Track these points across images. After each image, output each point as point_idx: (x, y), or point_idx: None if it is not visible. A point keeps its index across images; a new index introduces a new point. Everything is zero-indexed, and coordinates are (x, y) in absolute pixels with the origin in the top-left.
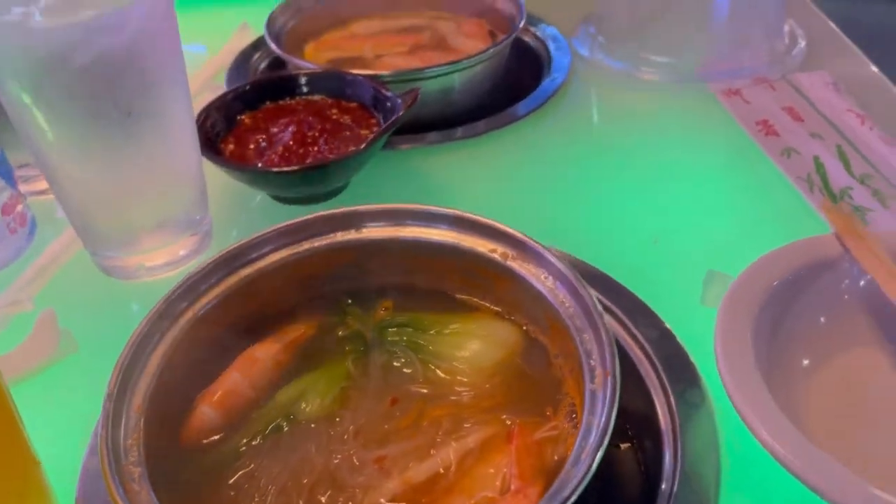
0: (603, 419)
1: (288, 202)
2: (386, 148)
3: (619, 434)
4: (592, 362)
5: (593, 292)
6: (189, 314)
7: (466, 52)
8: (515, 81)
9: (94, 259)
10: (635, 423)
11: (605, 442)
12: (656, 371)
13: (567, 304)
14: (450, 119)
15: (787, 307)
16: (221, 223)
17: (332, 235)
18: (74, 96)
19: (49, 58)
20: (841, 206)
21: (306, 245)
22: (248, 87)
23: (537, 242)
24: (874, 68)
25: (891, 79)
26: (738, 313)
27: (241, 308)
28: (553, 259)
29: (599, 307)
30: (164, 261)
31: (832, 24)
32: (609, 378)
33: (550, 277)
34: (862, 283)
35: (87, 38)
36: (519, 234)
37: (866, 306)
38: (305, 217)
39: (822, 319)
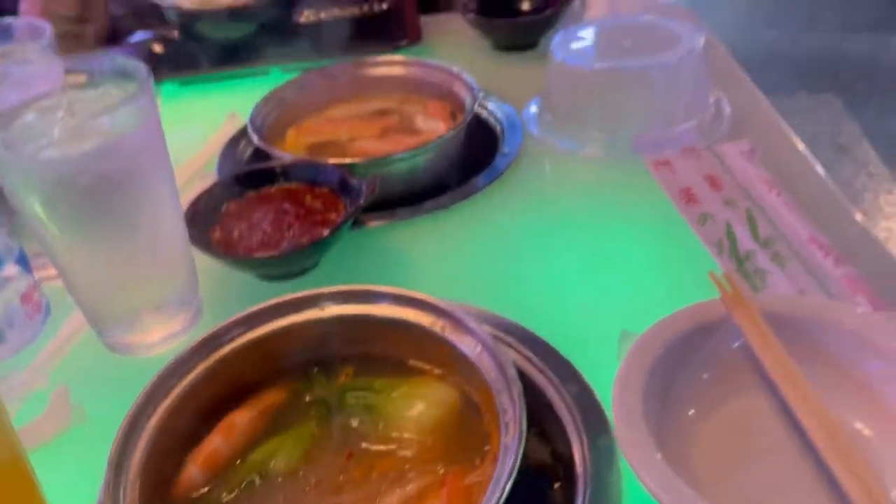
0: (508, 468)
1: (268, 279)
2: (358, 226)
3: (553, 474)
4: (507, 420)
5: (511, 358)
6: (177, 390)
7: (431, 132)
8: (478, 155)
9: (100, 338)
10: (563, 466)
11: (509, 487)
12: (575, 422)
13: (490, 370)
14: (418, 193)
15: (677, 365)
16: (212, 299)
17: (298, 314)
18: (80, 208)
19: (58, 181)
20: (728, 275)
21: (277, 323)
22: (231, 179)
23: (467, 316)
24: (793, 136)
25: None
26: (634, 371)
27: (221, 381)
28: (479, 331)
29: (513, 372)
30: (162, 336)
31: (758, 92)
32: (516, 434)
33: (479, 346)
34: (737, 344)
35: (91, 164)
36: (452, 309)
37: (743, 363)
38: (274, 300)
39: (705, 375)
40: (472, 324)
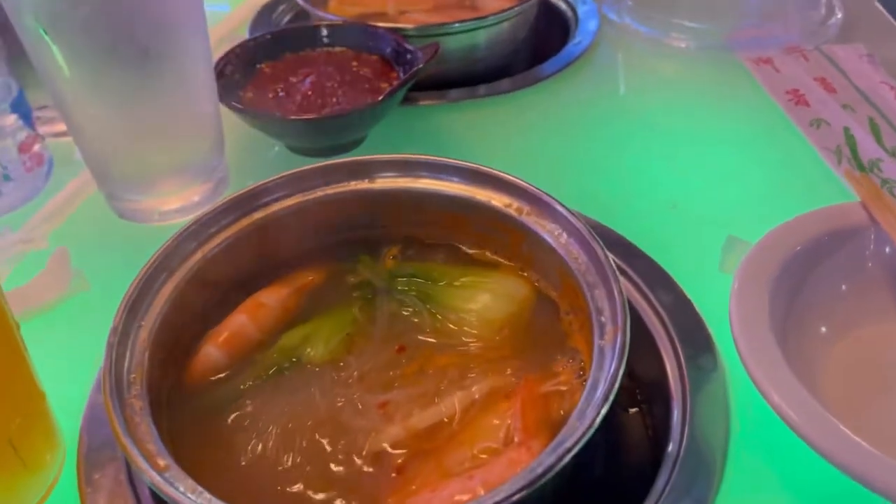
0: (611, 373)
1: (305, 153)
2: (407, 104)
3: (628, 398)
4: (603, 319)
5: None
6: (198, 255)
7: (492, 10)
8: (542, 42)
9: (108, 201)
10: (645, 388)
11: (612, 396)
12: (669, 336)
13: (580, 260)
14: (473, 78)
15: (807, 274)
16: (237, 171)
17: (344, 184)
18: (91, 33)
19: None
20: (865, 176)
21: (319, 192)
22: (269, 37)
23: (553, 197)
24: None
25: None
26: (756, 277)
27: (250, 252)
28: (567, 214)
29: (612, 262)
30: (178, 206)
31: None
32: (619, 334)
33: (564, 233)
34: (887, 251)
35: None
36: (535, 189)
37: (890, 277)
38: (318, 164)
39: (844, 287)
40: (561, 207)
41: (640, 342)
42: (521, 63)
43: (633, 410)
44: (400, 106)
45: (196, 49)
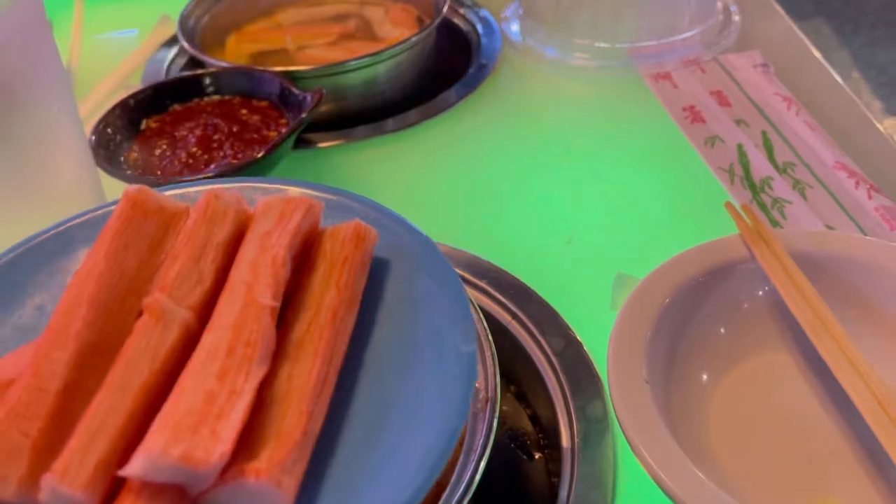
0: (479, 447)
1: None
2: (308, 146)
3: (533, 445)
4: (478, 384)
5: (480, 313)
6: None
7: (393, 40)
8: (447, 67)
9: None
10: (546, 435)
11: (481, 469)
12: (560, 383)
13: None
14: (378, 110)
15: (687, 317)
16: None
17: None
18: None
19: None
20: (747, 207)
21: None
22: (150, 91)
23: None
24: (811, 46)
25: (825, 52)
26: (634, 324)
27: None
28: None
29: (486, 328)
30: None
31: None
32: (489, 404)
33: None
34: (764, 289)
35: None
36: None
37: (768, 313)
38: None
39: (722, 330)
40: None
41: (536, 390)
42: (426, 89)
43: (538, 456)
44: (300, 149)
45: (57, 125)
